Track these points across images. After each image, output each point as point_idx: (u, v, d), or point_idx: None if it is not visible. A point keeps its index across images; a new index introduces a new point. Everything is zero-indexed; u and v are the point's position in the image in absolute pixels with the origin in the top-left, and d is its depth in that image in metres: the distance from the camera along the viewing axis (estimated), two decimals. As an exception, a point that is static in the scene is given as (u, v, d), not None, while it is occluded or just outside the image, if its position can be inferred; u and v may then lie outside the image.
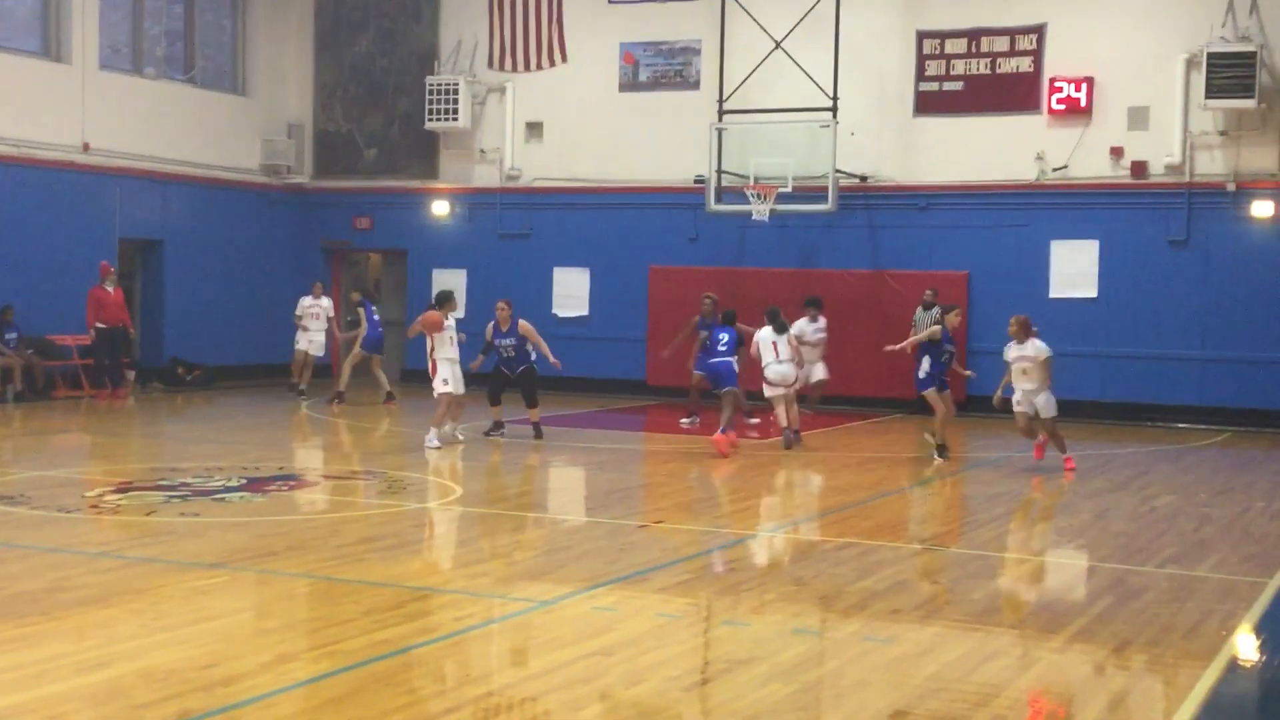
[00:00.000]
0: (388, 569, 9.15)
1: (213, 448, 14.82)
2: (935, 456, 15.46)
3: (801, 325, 19.22)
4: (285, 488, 12.41)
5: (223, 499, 11.67)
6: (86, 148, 22.08)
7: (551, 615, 8.02)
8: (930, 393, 15.56)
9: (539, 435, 16.53)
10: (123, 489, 12.15)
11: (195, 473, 13.13)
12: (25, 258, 21.07)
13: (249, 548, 9.80)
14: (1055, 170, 21.19)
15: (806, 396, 19.35)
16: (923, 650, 7.35)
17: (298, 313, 22.30)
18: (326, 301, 22.52)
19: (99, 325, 20.89)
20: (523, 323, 16.75)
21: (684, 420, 18.84)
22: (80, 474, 13.72)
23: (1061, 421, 15.02)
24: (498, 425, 16.75)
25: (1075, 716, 6.49)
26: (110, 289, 21.08)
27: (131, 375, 22.02)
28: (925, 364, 15.54)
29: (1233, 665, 7.31)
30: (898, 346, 16.37)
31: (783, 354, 16.38)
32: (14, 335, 20.44)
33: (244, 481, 12.61)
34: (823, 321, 19.95)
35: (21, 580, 8.40)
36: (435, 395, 15.74)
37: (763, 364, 16.42)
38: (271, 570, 9.19)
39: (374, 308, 21.31)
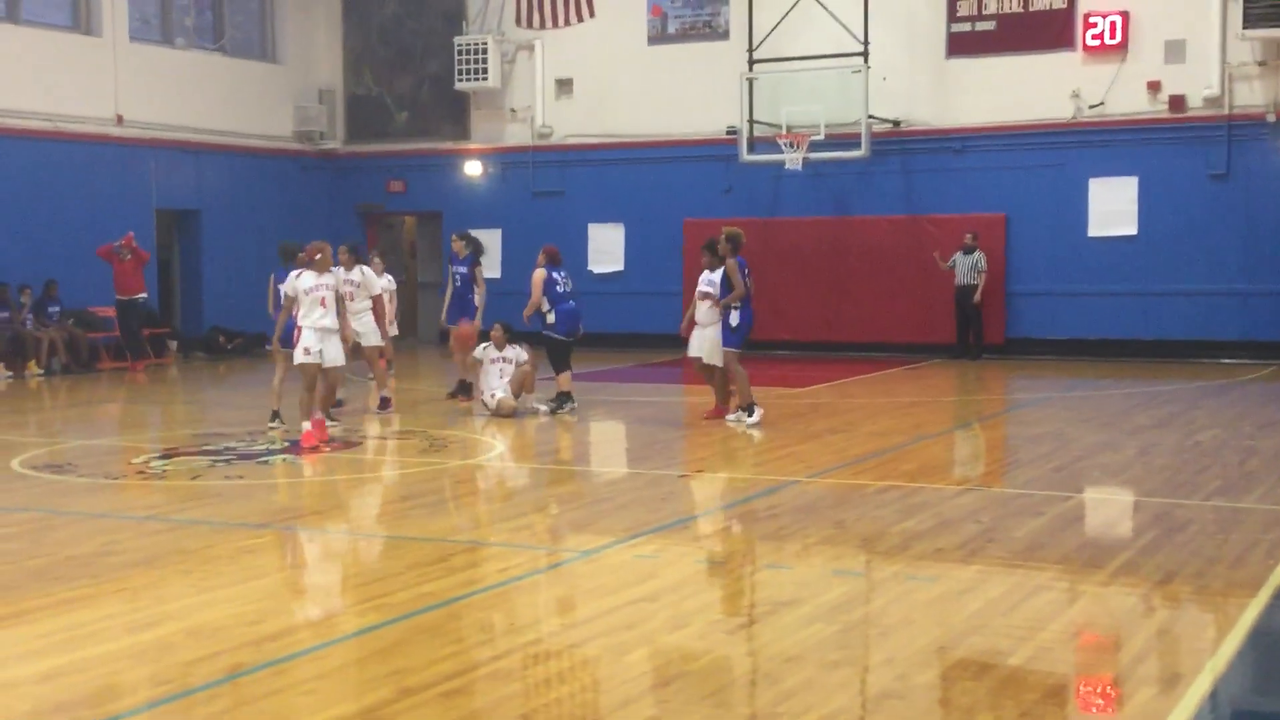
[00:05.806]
0: (431, 524, 9.21)
1: (256, 413, 14.92)
2: (744, 418, 13.67)
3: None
4: (328, 449, 12.49)
5: (266, 461, 11.76)
6: (120, 120, 22.19)
7: (594, 564, 8.05)
8: (733, 353, 13.67)
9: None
10: (168, 455, 12.26)
11: (239, 437, 13.23)
12: (64, 231, 21.22)
13: (293, 508, 9.86)
14: (1092, 107, 20.94)
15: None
16: (965, 588, 7.33)
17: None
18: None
19: (118, 298, 20.86)
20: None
21: None
22: (126, 442, 13.86)
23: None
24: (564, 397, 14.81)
25: (1122, 648, 6.47)
26: (126, 259, 20.68)
27: (174, 345, 22.14)
28: (734, 317, 13.60)
29: (1280, 594, 7.25)
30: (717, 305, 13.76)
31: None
32: (57, 309, 20.60)
33: (287, 444, 12.70)
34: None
35: (71, 545, 8.50)
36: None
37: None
38: (316, 529, 9.28)
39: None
